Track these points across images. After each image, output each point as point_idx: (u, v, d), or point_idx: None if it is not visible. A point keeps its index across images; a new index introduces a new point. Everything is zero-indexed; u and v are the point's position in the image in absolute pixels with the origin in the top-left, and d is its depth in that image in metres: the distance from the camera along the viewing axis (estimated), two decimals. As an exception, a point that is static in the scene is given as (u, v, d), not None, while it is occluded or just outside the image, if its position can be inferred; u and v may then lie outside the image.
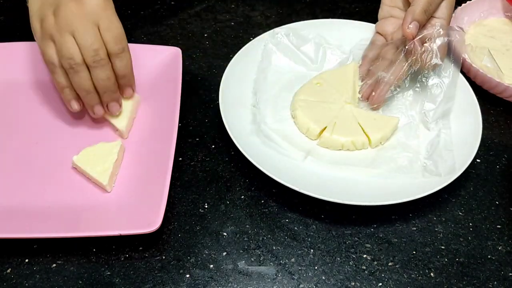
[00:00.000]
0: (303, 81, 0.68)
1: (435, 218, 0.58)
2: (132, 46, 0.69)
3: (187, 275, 0.52)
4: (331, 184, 0.58)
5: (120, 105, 0.60)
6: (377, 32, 0.69)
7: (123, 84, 0.59)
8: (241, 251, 0.54)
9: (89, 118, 0.63)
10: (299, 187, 0.55)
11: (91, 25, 0.54)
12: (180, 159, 0.62)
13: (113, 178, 0.57)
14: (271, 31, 0.71)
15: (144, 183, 0.57)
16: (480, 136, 0.60)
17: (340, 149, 0.62)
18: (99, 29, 0.55)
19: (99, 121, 0.63)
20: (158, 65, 0.67)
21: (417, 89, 0.66)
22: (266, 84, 0.68)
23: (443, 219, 0.58)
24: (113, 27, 0.55)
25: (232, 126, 0.60)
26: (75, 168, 0.58)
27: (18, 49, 0.67)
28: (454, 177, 0.57)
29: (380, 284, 0.52)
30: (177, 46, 0.67)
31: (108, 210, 0.55)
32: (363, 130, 0.62)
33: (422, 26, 0.61)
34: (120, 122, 0.61)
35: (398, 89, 0.65)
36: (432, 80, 0.65)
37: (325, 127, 0.62)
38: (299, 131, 0.64)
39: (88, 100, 0.57)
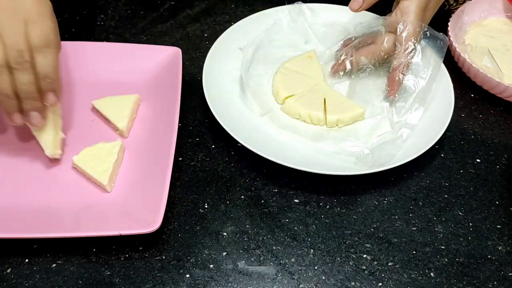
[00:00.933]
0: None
1: (435, 218, 0.58)
2: (132, 46, 0.69)
3: (187, 275, 0.52)
4: (273, 144, 0.61)
5: (44, 117, 0.55)
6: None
7: (45, 87, 0.53)
8: (241, 251, 0.54)
9: (89, 118, 0.64)
10: (240, 138, 0.58)
11: (19, 22, 0.50)
12: (180, 159, 0.62)
13: (113, 178, 0.57)
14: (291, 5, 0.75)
15: (144, 183, 0.57)
16: (430, 145, 0.60)
17: (297, 118, 0.65)
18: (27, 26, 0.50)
19: (100, 121, 0.63)
20: (158, 65, 0.67)
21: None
22: (268, 45, 0.72)
23: (443, 219, 0.58)
24: (41, 21, 0.50)
25: (209, 70, 0.66)
26: (75, 168, 0.58)
27: None
28: (379, 169, 0.57)
29: (380, 284, 0.52)
30: (177, 46, 0.67)
31: (108, 210, 0.55)
32: (324, 108, 0.64)
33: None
34: (121, 122, 0.61)
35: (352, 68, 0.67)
36: (408, 80, 0.65)
37: (292, 95, 0.66)
38: (272, 93, 0.68)
39: (6, 105, 0.52)
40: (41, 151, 0.59)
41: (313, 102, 0.65)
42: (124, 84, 0.66)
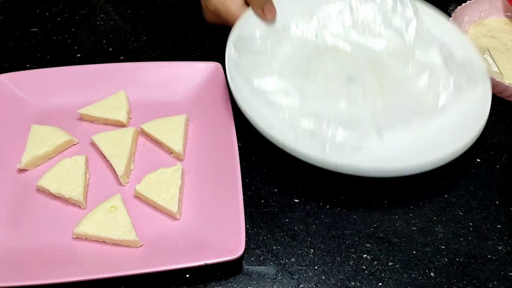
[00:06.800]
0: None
1: (435, 218, 0.58)
2: (170, 64, 0.66)
3: (187, 275, 0.52)
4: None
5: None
6: None
7: None
8: (241, 251, 0.54)
9: (139, 143, 0.61)
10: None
11: None
12: (180, 159, 0.62)
13: (180, 204, 0.55)
14: None
15: (213, 206, 0.55)
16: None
17: None
18: None
19: (151, 145, 0.61)
20: (199, 82, 0.65)
21: None
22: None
23: (443, 219, 0.58)
24: None
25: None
26: (138, 197, 0.56)
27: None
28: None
29: (380, 284, 0.52)
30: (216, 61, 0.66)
31: (182, 239, 0.53)
32: None
33: None
34: (176, 144, 0.59)
35: None
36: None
37: None
38: None
39: None
40: (94, 181, 0.57)
41: None
42: (167, 104, 0.64)
